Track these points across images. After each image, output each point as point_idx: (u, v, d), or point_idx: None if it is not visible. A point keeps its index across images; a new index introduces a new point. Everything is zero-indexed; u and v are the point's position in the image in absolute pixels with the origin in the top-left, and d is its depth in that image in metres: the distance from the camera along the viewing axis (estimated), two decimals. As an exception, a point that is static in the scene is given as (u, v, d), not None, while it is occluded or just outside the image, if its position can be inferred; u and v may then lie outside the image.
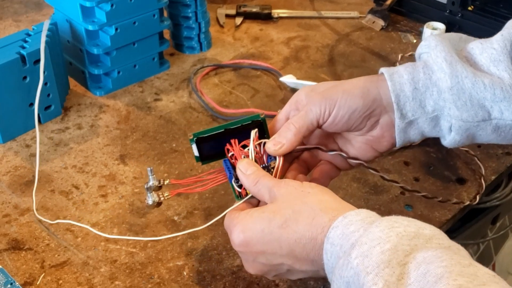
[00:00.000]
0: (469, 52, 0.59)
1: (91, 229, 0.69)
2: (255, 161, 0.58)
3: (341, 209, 0.50)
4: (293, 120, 0.59)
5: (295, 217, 0.51)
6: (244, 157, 0.58)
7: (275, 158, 0.59)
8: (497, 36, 0.58)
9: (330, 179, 0.64)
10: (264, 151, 0.59)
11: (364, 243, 0.45)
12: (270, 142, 0.58)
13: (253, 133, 0.59)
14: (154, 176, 0.60)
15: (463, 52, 0.59)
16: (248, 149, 0.59)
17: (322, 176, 0.63)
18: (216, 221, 0.70)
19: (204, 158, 0.61)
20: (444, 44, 0.58)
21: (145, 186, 0.60)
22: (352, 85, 0.59)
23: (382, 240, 0.44)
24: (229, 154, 0.60)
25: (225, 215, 0.57)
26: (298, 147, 0.61)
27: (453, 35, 0.61)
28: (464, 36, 0.62)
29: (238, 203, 0.57)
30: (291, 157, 0.63)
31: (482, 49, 0.58)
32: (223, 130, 0.60)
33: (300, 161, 0.63)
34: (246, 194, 0.58)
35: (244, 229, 0.53)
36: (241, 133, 0.60)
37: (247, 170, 0.56)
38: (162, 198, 0.60)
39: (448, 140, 0.59)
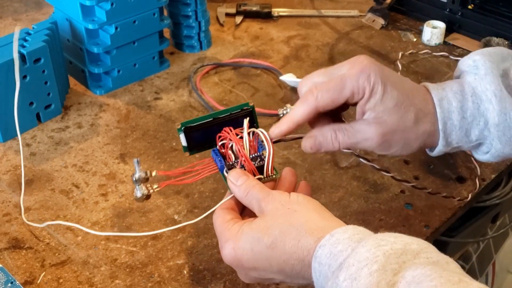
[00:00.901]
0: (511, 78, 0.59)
1: (83, 228, 0.69)
2: (249, 150, 0.58)
3: (328, 227, 0.50)
4: (341, 138, 0.58)
5: (282, 239, 0.51)
6: (234, 159, 0.58)
7: (265, 148, 0.58)
8: None
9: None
10: (255, 139, 0.59)
11: (352, 265, 0.44)
12: (308, 141, 0.58)
13: (246, 121, 0.58)
14: (141, 167, 0.58)
15: (506, 79, 0.58)
16: (240, 137, 0.58)
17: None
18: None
19: (192, 148, 0.60)
20: (493, 74, 0.57)
21: (133, 179, 0.58)
22: (414, 133, 0.57)
23: (369, 260, 0.44)
24: (220, 143, 0.59)
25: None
26: (288, 136, 0.61)
27: (496, 51, 0.60)
28: (505, 51, 0.61)
29: (229, 197, 0.57)
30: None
31: None
32: (211, 119, 0.59)
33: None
34: None
35: (235, 247, 0.53)
36: (230, 122, 0.59)
37: (238, 181, 0.56)
38: (151, 191, 0.58)
39: (482, 158, 0.61)
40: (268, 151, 0.58)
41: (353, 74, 0.55)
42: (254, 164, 0.58)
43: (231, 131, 0.58)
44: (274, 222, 0.52)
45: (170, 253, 0.67)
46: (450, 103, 0.57)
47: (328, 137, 0.58)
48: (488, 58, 0.59)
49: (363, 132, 0.57)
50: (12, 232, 0.69)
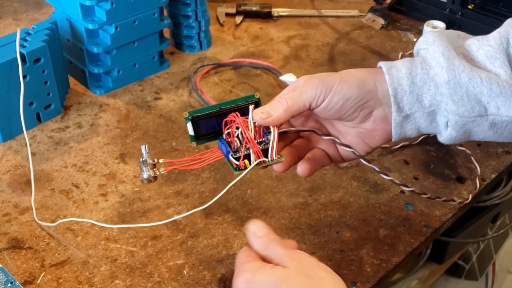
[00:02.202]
0: (466, 48, 0.59)
1: (94, 222, 0.69)
2: (254, 134, 0.59)
3: None
4: (287, 96, 0.58)
5: None
6: (239, 144, 0.58)
7: (269, 132, 0.58)
8: (494, 34, 0.58)
9: (322, 166, 0.64)
10: (260, 126, 0.59)
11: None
12: (259, 109, 0.58)
13: (251, 107, 0.59)
14: (148, 153, 0.59)
15: (461, 49, 0.59)
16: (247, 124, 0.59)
17: (315, 159, 0.63)
18: (216, 220, 0.71)
19: (198, 137, 0.61)
20: (441, 40, 0.58)
21: (140, 161, 0.59)
22: (350, 74, 0.59)
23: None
24: (226, 131, 0.60)
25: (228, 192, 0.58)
26: (293, 128, 0.61)
27: (451, 32, 0.62)
28: (462, 33, 0.62)
29: (241, 175, 0.58)
30: (285, 139, 0.63)
31: (479, 46, 0.58)
32: (218, 109, 0.60)
33: (293, 147, 0.63)
34: (245, 166, 0.58)
35: (251, 280, 0.52)
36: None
37: (259, 232, 0.56)
38: (157, 173, 0.59)
39: (445, 136, 0.59)
40: (273, 134, 0.58)
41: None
42: (260, 148, 0.58)
43: (237, 116, 0.59)
44: (299, 279, 0.51)
45: (170, 253, 0.67)
46: (399, 70, 0.58)
47: (276, 99, 0.59)
48: (440, 33, 0.60)
49: (303, 86, 0.59)
50: (12, 232, 0.69)
